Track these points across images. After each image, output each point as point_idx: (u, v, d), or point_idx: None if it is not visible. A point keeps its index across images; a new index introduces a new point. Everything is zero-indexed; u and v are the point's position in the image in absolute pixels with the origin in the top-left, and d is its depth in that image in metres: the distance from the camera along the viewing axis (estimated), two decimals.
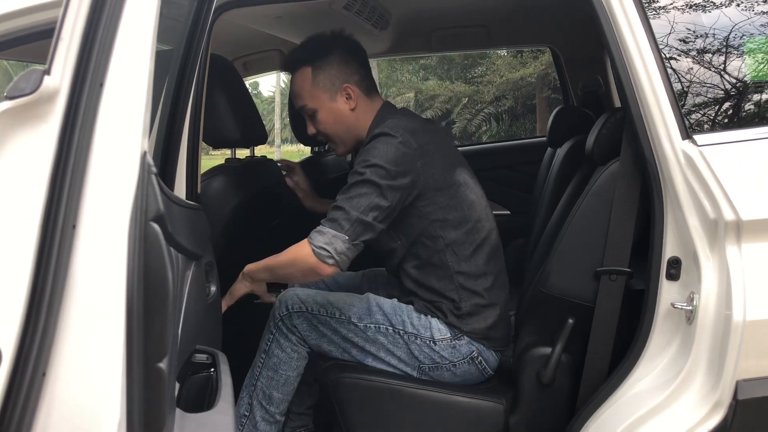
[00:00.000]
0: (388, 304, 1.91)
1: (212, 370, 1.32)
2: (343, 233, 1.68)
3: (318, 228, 1.72)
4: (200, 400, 1.30)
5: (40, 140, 1.02)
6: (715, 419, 1.35)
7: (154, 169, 1.04)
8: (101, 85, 1.04)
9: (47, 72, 1.02)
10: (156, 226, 1.02)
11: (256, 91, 27.67)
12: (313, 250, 1.68)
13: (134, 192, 1.00)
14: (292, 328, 1.90)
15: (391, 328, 1.86)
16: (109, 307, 0.98)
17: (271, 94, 26.89)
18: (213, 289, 1.59)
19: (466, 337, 1.84)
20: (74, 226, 1.01)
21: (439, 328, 1.85)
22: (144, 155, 1.02)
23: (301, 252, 1.71)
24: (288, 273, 1.83)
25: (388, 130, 1.77)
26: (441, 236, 1.83)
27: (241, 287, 1.90)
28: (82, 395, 0.99)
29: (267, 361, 1.92)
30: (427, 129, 1.89)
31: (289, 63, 1.97)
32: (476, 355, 1.85)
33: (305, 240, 1.72)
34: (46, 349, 0.97)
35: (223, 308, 1.84)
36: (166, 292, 0.99)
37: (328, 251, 1.67)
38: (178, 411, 1.15)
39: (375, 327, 1.86)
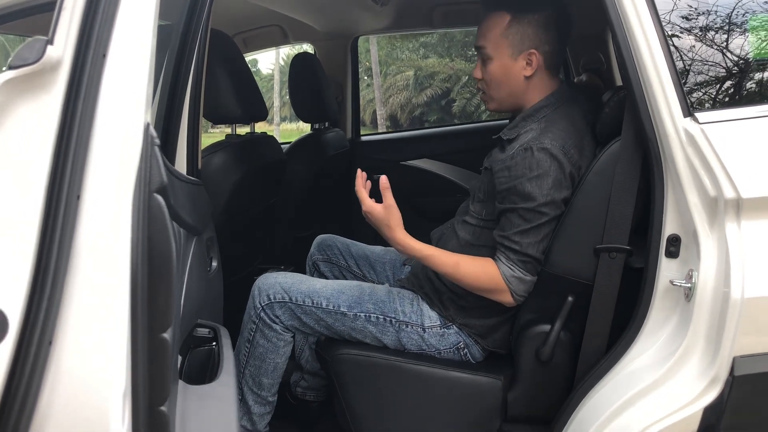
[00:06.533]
0: (383, 291, 1.90)
1: (214, 344, 1.34)
2: (533, 275, 1.69)
3: (518, 275, 1.67)
4: (202, 373, 1.31)
5: (44, 110, 1.02)
6: (712, 394, 1.36)
7: (157, 141, 1.04)
8: (104, 55, 1.03)
9: (50, 41, 1.01)
10: (159, 198, 1.02)
11: (255, 69, 27.47)
12: (513, 298, 1.70)
13: (138, 163, 1.00)
14: (274, 318, 1.88)
15: (382, 316, 1.84)
16: (114, 278, 0.99)
17: (271, 71, 26.70)
18: (214, 264, 1.60)
19: (455, 327, 1.84)
20: (78, 197, 1.01)
21: (429, 315, 1.84)
22: (147, 126, 1.02)
23: (498, 292, 1.70)
24: (473, 289, 1.75)
25: (557, 152, 1.63)
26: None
27: (408, 251, 1.74)
28: (87, 364, 1.00)
29: (252, 350, 1.91)
30: (591, 137, 1.75)
31: (491, 1, 1.77)
32: (462, 346, 1.84)
33: (502, 280, 1.68)
34: (52, 318, 0.97)
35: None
36: (170, 262, 0.99)
37: (524, 296, 1.71)
38: (180, 383, 1.17)
39: (365, 316, 1.85)
